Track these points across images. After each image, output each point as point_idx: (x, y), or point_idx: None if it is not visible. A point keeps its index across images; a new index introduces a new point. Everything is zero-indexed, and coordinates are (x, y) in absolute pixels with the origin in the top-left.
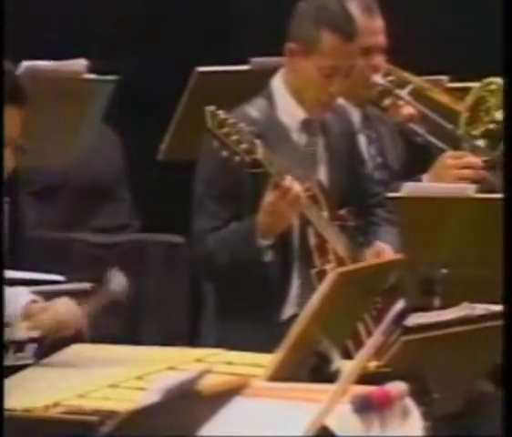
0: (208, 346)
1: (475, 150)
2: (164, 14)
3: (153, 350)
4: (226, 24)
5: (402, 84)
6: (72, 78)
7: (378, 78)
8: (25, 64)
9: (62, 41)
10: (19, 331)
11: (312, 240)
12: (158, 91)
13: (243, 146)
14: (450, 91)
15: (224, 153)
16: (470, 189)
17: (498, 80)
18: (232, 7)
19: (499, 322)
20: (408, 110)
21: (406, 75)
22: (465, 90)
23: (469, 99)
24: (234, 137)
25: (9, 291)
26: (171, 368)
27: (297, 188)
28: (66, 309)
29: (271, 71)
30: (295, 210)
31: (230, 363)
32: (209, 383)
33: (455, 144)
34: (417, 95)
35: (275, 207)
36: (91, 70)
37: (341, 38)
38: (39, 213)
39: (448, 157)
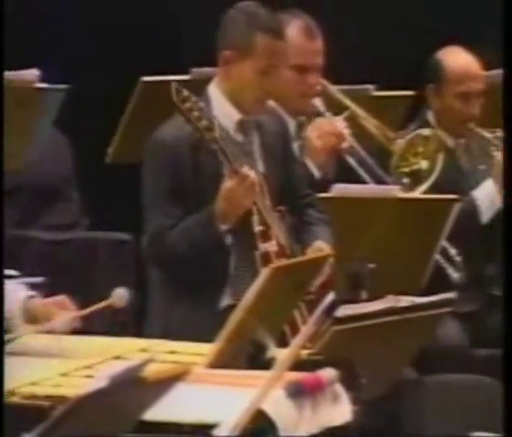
0: (152, 337)
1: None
2: (112, 25)
3: (101, 341)
4: (170, 35)
5: (340, 107)
6: (25, 87)
7: (317, 102)
8: None
9: (13, 51)
10: (18, 326)
11: (257, 227)
12: (106, 98)
13: (203, 123)
14: (378, 101)
15: (189, 145)
16: (395, 190)
17: (431, 131)
18: (175, 20)
19: (422, 313)
20: (345, 144)
21: (343, 98)
22: (391, 98)
23: (403, 145)
24: (195, 114)
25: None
26: (118, 357)
27: (253, 175)
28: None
29: (209, 79)
30: (252, 197)
31: (172, 352)
32: (153, 371)
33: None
34: (353, 119)
35: (233, 193)
36: (42, 79)
37: (272, 37)
38: None
39: (311, 131)
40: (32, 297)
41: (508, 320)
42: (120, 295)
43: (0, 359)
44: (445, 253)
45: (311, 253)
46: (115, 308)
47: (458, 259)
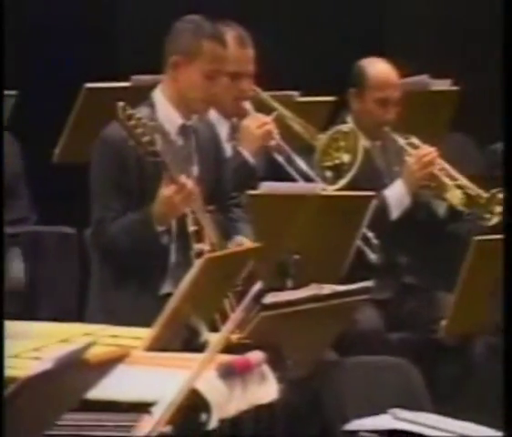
0: (95, 322)
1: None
2: (59, 32)
3: (48, 326)
4: (111, 44)
5: (268, 109)
6: None
7: (247, 105)
8: None
9: None
10: None
11: (191, 227)
12: (52, 102)
13: (146, 138)
14: (303, 106)
15: (130, 148)
16: (318, 188)
17: (350, 126)
18: (118, 30)
19: (342, 300)
20: (272, 142)
21: (271, 101)
22: (314, 103)
23: (324, 140)
24: (139, 130)
25: None
26: (63, 341)
27: (190, 184)
28: None
29: (149, 86)
30: (187, 204)
31: (114, 336)
32: (95, 353)
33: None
34: (280, 120)
35: (170, 199)
36: None
37: (217, 45)
38: None
39: (249, 121)
40: None
41: (507, 318)
42: (16, 268)
43: (0, 359)
44: (363, 236)
45: (232, 245)
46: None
47: (375, 241)
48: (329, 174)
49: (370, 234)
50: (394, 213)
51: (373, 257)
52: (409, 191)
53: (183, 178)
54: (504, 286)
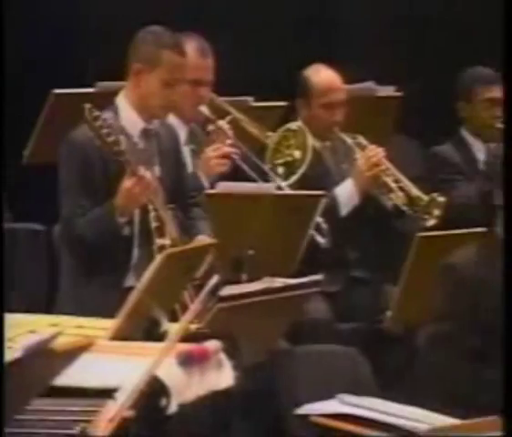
0: (63, 313)
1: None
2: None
3: (17, 317)
4: (77, 50)
5: (224, 113)
6: None
7: (204, 109)
8: None
9: None
10: None
11: (153, 223)
12: (23, 105)
13: (111, 139)
14: (257, 111)
15: (96, 148)
16: (272, 187)
17: (298, 124)
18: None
19: (293, 293)
20: (228, 141)
21: (226, 106)
22: (267, 108)
23: (275, 138)
24: (105, 131)
25: None
26: (32, 331)
27: (149, 176)
28: None
29: (113, 92)
30: (147, 195)
31: (79, 327)
32: (62, 343)
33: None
34: (235, 123)
35: (131, 191)
36: None
37: (176, 55)
38: None
39: (209, 150)
40: None
41: (507, 319)
42: None
43: (0, 358)
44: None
45: (193, 243)
46: None
47: (325, 226)
48: (281, 170)
49: (319, 219)
50: (344, 210)
51: (322, 241)
52: (358, 190)
53: (142, 171)
54: (504, 286)
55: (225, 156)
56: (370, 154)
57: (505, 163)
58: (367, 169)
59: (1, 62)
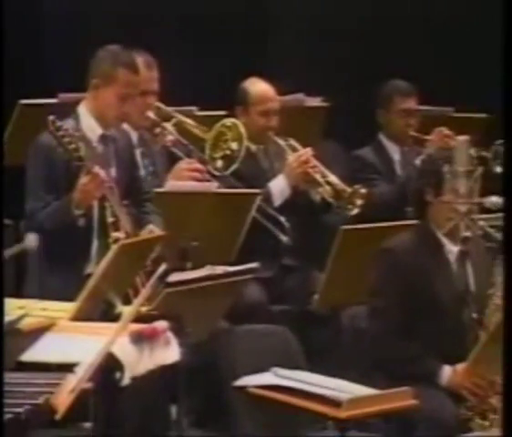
0: (29, 297)
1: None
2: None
3: None
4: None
5: (168, 118)
6: None
7: (150, 114)
8: None
9: None
10: None
11: (109, 218)
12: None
13: (71, 146)
14: (198, 118)
15: (57, 152)
16: (213, 186)
17: (232, 120)
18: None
19: (232, 279)
20: (171, 137)
21: (171, 111)
22: (211, 117)
23: (212, 132)
24: (66, 139)
25: None
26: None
27: (103, 174)
28: None
29: (74, 102)
30: (100, 191)
31: (43, 309)
32: (28, 323)
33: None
34: (179, 126)
35: (86, 186)
36: None
37: (131, 72)
38: None
39: (183, 163)
40: None
41: (507, 321)
42: (31, 239)
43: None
44: (275, 221)
45: (144, 235)
46: (27, 250)
47: (287, 224)
48: (220, 163)
49: (282, 218)
50: (276, 202)
51: (285, 239)
52: (289, 184)
53: (97, 169)
54: (504, 285)
55: (196, 170)
56: (299, 153)
57: (505, 165)
58: (297, 166)
59: None
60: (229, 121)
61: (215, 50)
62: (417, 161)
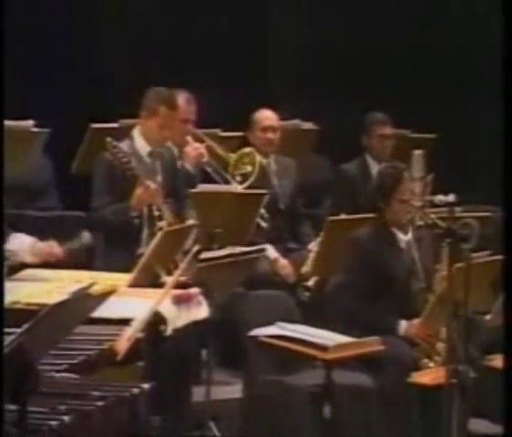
0: (97, 270)
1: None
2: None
3: (68, 272)
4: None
5: (202, 140)
6: (23, 131)
7: (189, 138)
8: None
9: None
10: (25, 259)
11: (155, 212)
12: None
13: (124, 160)
14: (223, 139)
15: (116, 166)
16: (232, 188)
17: (249, 149)
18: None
19: (247, 256)
20: (205, 159)
21: (203, 136)
22: (234, 138)
23: (234, 156)
24: (120, 155)
25: (14, 236)
26: (77, 281)
27: (154, 186)
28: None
29: (130, 127)
30: (151, 199)
31: (108, 279)
32: (96, 290)
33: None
34: (209, 148)
35: (141, 196)
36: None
37: (169, 108)
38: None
39: (188, 148)
40: (36, 242)
41: (507, 324)
42: (85, 236)
43: (0, 361)
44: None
45: (181, 224)
46: (84, 246)
47: (267, 215)
48: (239, 178)
49: (262, 210)
50: (283, 204)
51: (264, 225)
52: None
53: (149, 183)
54: (504, 286)
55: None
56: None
57: (505, 166)
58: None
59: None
60: (247, 150)
61: (234, 83)
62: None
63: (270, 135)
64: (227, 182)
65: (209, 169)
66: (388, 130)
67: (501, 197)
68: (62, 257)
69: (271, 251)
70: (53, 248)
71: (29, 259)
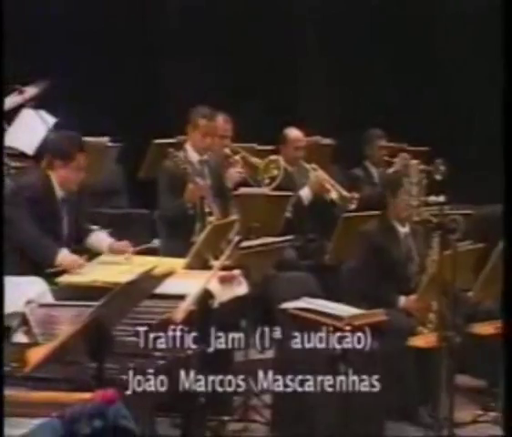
0: (159, 256)
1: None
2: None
3: (133, 257)
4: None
5: (237, 152)
6: (100, 145)
7: (227, 150)
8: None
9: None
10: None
11: (206, 209)
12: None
13: (182, 166)
14: (259, 152)
15: (176, 170)
16: (264, 190)
17: (275, 157)
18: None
19: (277, 245)
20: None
21: (238, 148)
22: (265, 150)
23: (263, 163)
24: (179, 162)
25: (95, 233)
26: (143, 265)
27: (201, 182)
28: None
29: (184, 141)
30: (200, 193)
31: (167, 263)
32: (157, 271)
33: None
34: (244, 158)
35: (192, 190)
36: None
37: (208, 121)
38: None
39: (231, 170)
40: (114, 242)
41: (508, 319)
42: (155, 242)
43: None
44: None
45: (226, 219)
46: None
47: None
48: (267, 181)
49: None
50: (305, 202)
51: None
52: (311, 192)
53: (198, 179)
54: (504, 286)
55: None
56: (317, 173)
57: (505, 168)
58: (316, 183)
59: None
60: (273, 157)
61: (266, 106)
62: (388, 172)
63: (299, 153)
64: (260, 186)
65: (244, 174)
66: (384, 142)
67: (503, 195)
68: (133, 253)
69: None
70: (127, 247)
71: (106, 252)
